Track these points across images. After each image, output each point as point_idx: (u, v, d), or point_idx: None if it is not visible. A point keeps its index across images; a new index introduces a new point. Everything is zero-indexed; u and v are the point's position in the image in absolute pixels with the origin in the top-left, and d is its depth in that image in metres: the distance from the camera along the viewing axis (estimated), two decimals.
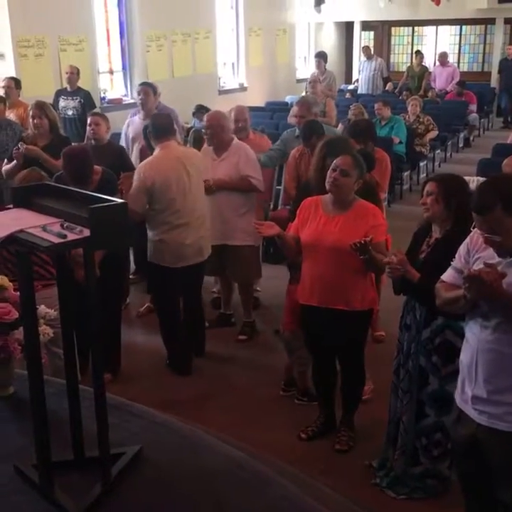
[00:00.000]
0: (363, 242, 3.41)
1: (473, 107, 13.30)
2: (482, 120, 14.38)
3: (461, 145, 12.85)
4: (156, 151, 4.70)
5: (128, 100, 10.50)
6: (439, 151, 11.16)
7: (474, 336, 2.59)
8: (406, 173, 9.71)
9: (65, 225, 2.09)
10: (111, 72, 10.54)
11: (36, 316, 2.24)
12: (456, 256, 2.72)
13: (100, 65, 10.11)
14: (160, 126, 4.75)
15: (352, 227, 3.62)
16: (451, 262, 2.74)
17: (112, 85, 10.55)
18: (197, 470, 2.58)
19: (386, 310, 4.67)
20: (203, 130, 5.29)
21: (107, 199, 2.15)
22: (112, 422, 2.40)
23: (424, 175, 10.44)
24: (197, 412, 4.18)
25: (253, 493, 2.45)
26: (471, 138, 13.46)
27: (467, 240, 2.69)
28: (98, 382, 2.27)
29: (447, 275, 2.75)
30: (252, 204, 5.27)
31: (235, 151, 5.14)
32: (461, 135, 12.80)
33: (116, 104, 10.12)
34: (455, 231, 3.14)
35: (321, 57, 11.13)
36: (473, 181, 6.30)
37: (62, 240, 2.00)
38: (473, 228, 2.60)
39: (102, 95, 10.07)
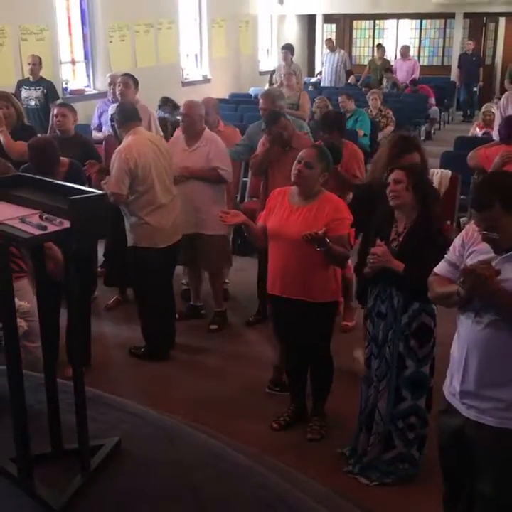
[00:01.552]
0: (314, 233, 3.44)
1: (433, 100, 13.46)
2: (443, 114, 14.58)
3: (422, 138, 12.99)
4: (129, 136, 4.71)
5: (90, 91, 10.38)
6: None
7: (466, 331, 2.60)
8: (369, 166, 9.78)
9: (44, 217, 2.06)
10: (73, 62, 10.39)
11: (15, 309, 2.22)
12: (451, 248, 2.73)
13: (62, 55, 9.96)
14: (128, 113, 4.85)
15: (313, 219, 3.65)
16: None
17: (74, 76, 10.41)
18: (175, 461, 2.58)
19: None
20: (180, 118, 5.30)
21: (86, 190, 2.14)
22: (88, 414, 2.39)
23: None
24: (170, 402, 4.19)
25: (232, 483, 2.46)
26: (432, 131, 13.64)
27: (462, 233, 2.70)
28: (77, 374, 2.26)
29: (441, 268, 2.75)
30: (222, 194, 5.33)
31: (206, 142, 5.17)
32: (423, 128, 12.95)
33: (79, 95, 9.99)
34: (423, 217, 3.23)
35: (288, 49, 11.13)
36: (437, 173, 6.41)
37: (42, 232, 1.98)
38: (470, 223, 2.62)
39: (64, 86, 9.93)
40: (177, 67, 12.41)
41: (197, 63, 13.36)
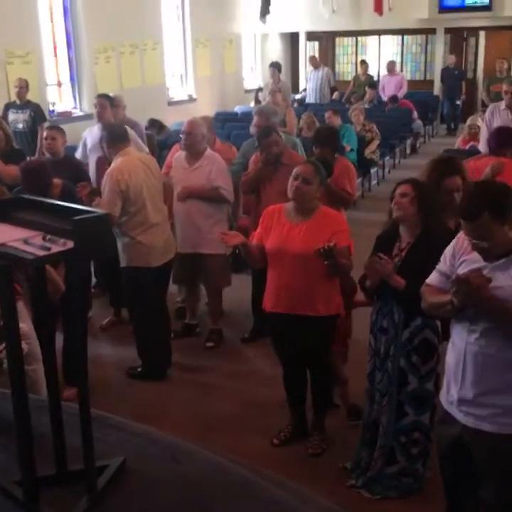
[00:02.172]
0: (327, 247, 3.47)
1: (415, 114, 13.56)
2: (427, 127, 14.72)
3: (408, 152, 13.13)
4: (119, 158, 4.72)
5: (77, 113, 10.39)
6: (388, 157, 11.39)
7: (461, 339, 2.62)
8: (358, 180, 9.87)
9: (47, 238, 2.07)
10: (59, 84, 10.41)
11: (19, 331, 2.22)
12: (442, 259, 2.75)
13: (48, 78, 9.98)
14: (117, 134, 4.86)
15: (315, 234, 3.67)
16: (436, 265, 2.78)
17: (60, 98, 10.42)
18: (181, 478, 2.57)
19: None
20: (181, 136, 5.32)
21: (88, 210, 2.15)
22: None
23: (375, 181, 10.65)
24: (170, 421, 4.18)
25: (240, 498, 2.45)
26: (418, 145, 13.77)
27: (453, 242, 2.72)
28: (83, 395, 2.26)
29: (432, 278, 2.78)
30: (223, 214, 5.32)
31: (208, 161, 5.19)
32: (408, 142, 13.08)
33: (66, 117, 10.00)
34: (427, 234, 3.23)
35: (276, 67, 11.24)
36: None
37: (46, 253, 1.98)
38: (456, 231, 2.65)
39: (51, 108, 9.94)
40: (162, 88, 12.47)
41: (182, 83, 13.43)
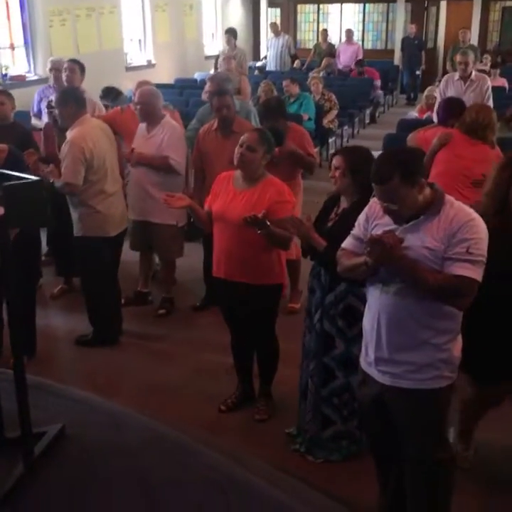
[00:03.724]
0: (254, 216, 3.48)
1: (378, 83, 13.61)
2: (387, 97, 14.76)
3: (367, 121, 13.16)
4: (78, 125, 4.61)
5: (32, 77, 10.13)
6: (346, 127, 11.40)
7: (375, 301, 2.72)
8: (316, 149, 9.86)
9: None
10: (12, 47, 10.14)
11: None
12: (356, 224, 2.84)
13: (0, 41, 9.71)
14: (76, 99, 4.71)
15: (255, 202, 3.68)
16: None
17: (13, 61, 10.16)
18: (121, 445, 2.60)
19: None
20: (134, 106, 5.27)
21: (20, 176, 2.12)
22: (32, 402, 2.38)
23: (333, 151, 10.64)
24: (120, 389, 4.20)
25: (180, 464, 2.49)
26: (377, 114, 13.81)
27: (366, 208, 2.82)
28: (18, 363, 2.25)
29: (347, 243, 2.86)
30: (178, 185, 5.19)
31: (162, 130, 5.14)
32: (367, 111, 13.10)
33: (20, 81, 9.76)
34: (360, 202, 3.28)
35: (231, 33, 11.07)
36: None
37: None
38: (373, 198, 2.73)
39: (4, 72, 9.69)
40: (120, 53, 12.22)
41: (141, 48, 13.20)
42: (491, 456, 3.60)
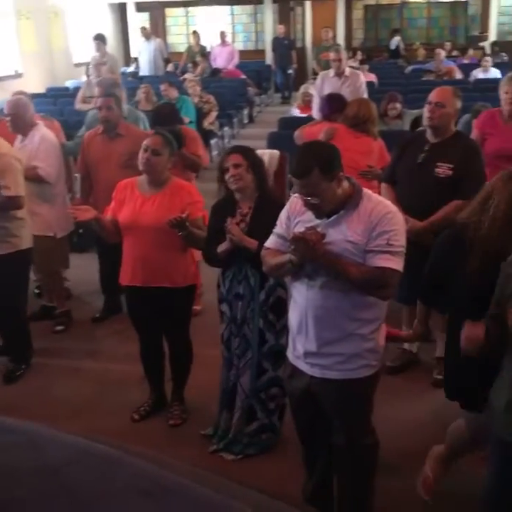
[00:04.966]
0: (179, 218, 3.48)
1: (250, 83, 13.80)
2: (262, 96, 15.02)
3: (246, 121, 13.34)
4: None
5: None
6: (226, 128, 11.51)
7: (302, 296, 2.75)
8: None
9: None
10: None
11: None
12: (278, 222, 2.86)
13: None
14: None
15: (168, 206, 3.68)
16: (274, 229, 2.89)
17: None
18: (42, 465, 2.50)
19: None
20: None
21: None
22: None
23: (216, 152, 10.73)
24: (26, 407, 4.04)
25: (104, 476, 2.43)
26: (254, 114, 14.01)
27: (286, 206, 2.85)
28: None
29: (271, 242, 2.88)
30: (51, 194, 5.05)
31: (31, 139, 4.99)
32: (245, 112, 13.27)
33: None
34: (263, 198, 3.36)
35: (100, 39, 10.86)
36: (265, 154, 6.62)
37: None
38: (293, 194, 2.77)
39: None
40: None
41: (7, 58, 12.71)
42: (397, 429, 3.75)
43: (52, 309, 5.48)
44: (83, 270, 5.86)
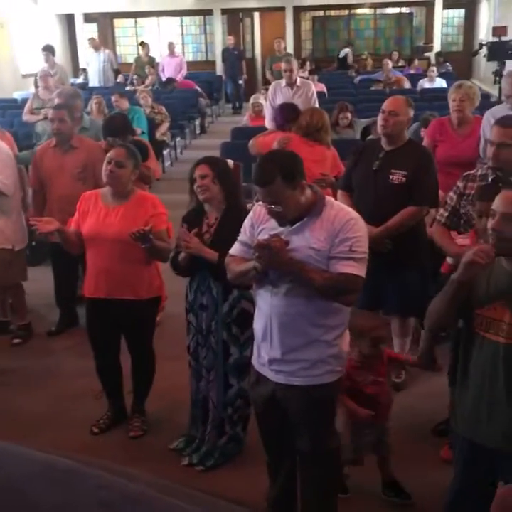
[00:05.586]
0: (142, 230, 3.47)
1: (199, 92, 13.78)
2: (214, 107, 15.05)
3: (198, 132, 13.35)
4: None
5: None
6: (178, 138, 11.50)
7: (266, 303, 2.77)
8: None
9: None
10: None
11: None
12: (242, 230, 2.88)
13: None
14: None
15: (132, 218, 3.66)
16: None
17: None
18: (5, 483, 2.47)
19: None
20: None
21: None
22: None
23: (169, 163, 10.72)
24: None
25: (70, 490, 2.41)
26: (206, 124, 14.03)
27: (250, 214, 2.87)
28: None
29: (235, 249, 2.89)
30: (8, 207, 4.95)
31: None
32: (197, 122, 13.29)
33: None
34: (231, 208, 3.36)
35: (49, 50, 10.75)
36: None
37: None
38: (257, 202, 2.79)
39: None
40: None
41: None
42: None
43: (6, 324, 5.37)
44: (36, 283, 5.76)
